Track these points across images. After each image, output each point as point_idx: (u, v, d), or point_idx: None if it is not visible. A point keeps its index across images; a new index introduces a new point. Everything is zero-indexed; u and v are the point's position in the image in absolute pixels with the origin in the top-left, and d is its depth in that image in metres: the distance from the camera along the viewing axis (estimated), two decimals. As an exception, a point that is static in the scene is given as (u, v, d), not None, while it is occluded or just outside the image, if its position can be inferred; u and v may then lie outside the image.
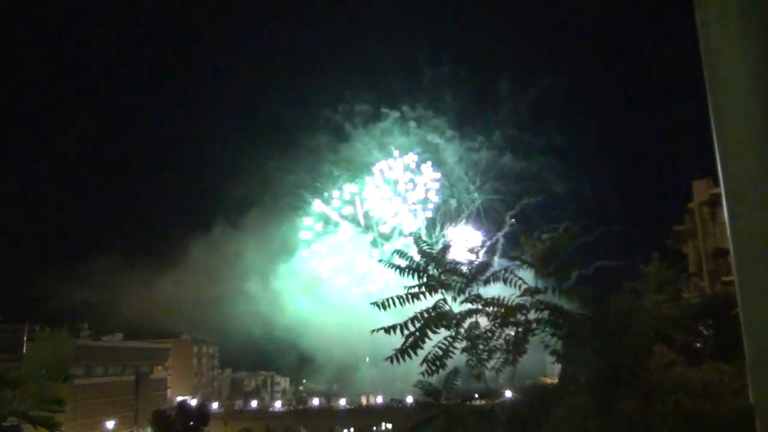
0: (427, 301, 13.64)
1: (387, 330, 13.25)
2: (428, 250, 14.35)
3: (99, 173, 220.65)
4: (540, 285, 13.90)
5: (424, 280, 13.86)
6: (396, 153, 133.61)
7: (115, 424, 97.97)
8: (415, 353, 12.99)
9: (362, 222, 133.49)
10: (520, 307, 13.59)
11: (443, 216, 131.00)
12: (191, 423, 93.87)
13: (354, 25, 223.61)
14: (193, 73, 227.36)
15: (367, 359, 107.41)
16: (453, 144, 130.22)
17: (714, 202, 37.78)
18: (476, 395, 16.60)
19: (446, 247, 14.84)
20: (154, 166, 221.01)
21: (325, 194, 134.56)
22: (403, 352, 12.94)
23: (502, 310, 13.46)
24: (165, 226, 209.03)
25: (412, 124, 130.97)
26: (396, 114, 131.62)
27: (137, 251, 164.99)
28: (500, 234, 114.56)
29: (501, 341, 13.76)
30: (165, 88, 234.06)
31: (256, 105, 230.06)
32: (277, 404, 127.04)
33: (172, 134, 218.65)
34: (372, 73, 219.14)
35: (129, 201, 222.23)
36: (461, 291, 13.79)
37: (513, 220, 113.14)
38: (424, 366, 13.37)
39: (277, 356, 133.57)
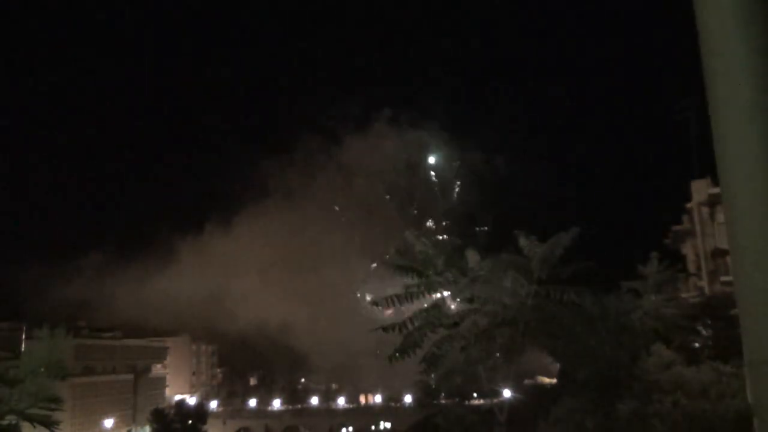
0: (426, 301, 13.63)
1: (386, 329, 13.25)
2: (427, 250, 14.35)
3: (96, 172, 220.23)
4: (537, 285, 13.89)
5: (424, 279, 13.85)
6: None
7: (113, 423, 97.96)
8: (414, 352, 12.98)
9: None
10: (519, 307, 13.58)
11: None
12: (190, 422, 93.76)
13: (350, 27, 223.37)
14: (190, 71, 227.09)
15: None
16: (445, 146, 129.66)
17: (713, 202, 37.78)
18: (475, 395, 16.59)
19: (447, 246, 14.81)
20: (151, 164, 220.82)
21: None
22: (402, 351, 12.94)
23: (501, 309, 13.46)
24: (162, 225, 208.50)
25: (403, 126, 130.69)
26: (387, 116, 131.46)
27: (135, 250, 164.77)
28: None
29: (499, 340, 13.76)
30: (161, 87, 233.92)
31: (252, 104, 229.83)
32: (276, 403, 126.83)
33: (171, 133, 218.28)
34: (367, 75, 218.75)
35: (125, 200, 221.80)
36: (461, 290, 13.79)
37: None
38: (423, 365, 13.36)
39: (275, 355, 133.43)
